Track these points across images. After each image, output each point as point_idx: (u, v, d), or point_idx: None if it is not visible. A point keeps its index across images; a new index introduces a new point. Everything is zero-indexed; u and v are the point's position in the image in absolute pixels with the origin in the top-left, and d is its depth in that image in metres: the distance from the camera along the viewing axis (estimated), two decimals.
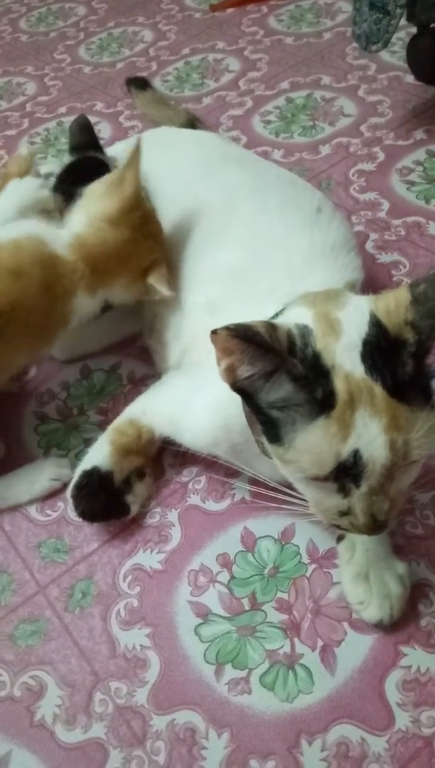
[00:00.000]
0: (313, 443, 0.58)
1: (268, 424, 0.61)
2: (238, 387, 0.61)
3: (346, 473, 0.58)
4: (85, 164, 1.08)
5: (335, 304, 0.63)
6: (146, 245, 0.92)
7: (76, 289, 0.88)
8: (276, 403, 0.60)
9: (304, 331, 0.60)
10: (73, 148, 1.10)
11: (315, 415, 0.58)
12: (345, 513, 0.61)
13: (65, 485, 0.90)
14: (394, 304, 0.60)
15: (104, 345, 1.10)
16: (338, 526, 0.64)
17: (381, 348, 0.59)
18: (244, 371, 0.59)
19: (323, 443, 0.57)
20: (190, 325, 0.90)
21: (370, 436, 0.57)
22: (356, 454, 0.57)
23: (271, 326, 0.58)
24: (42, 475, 0.92)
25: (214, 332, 0.57)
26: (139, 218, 0.92)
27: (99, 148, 1.10)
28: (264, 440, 0.64)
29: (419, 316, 0.59)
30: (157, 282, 0.91)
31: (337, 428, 0.57)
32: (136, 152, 0.92)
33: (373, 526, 0.60)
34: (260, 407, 0.61)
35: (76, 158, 1.10)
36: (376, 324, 0.60)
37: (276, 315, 0.68)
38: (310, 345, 0.59)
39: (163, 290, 0.90)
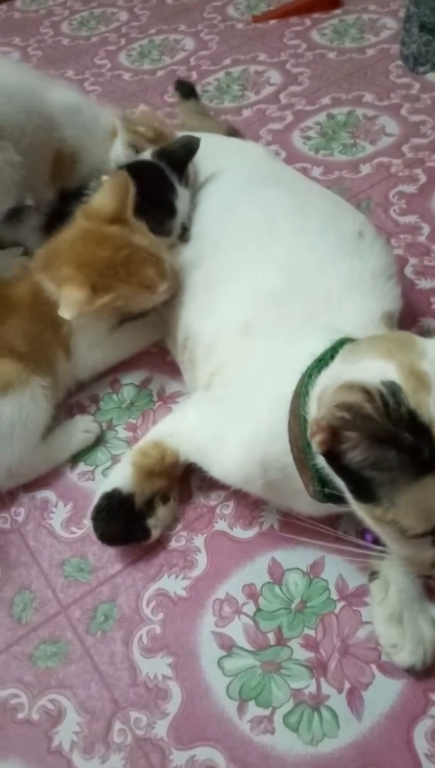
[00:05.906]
0: (421, 501, 0.56)
1: (359, 484, 0.59)
2: (331, 455, 0.59)
3: None
4: (143, 169, 1.08)
5: (416, 354, 0.60)
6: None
7: None
8: (369, 464, 0.57)
9: (394, 389, 0.57)
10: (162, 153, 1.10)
11: (422, 475, 0.55)
12: None
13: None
14: None
15: (129, 354, 1.09)
16: (429, 577, 0.65)
17: None
18: (355, 455, 0.57)
19: (432, 501, 0.56)
20: (223, 345, 0.88)
21: None
22: None
23: (368, 395, 0.55)
24: (74, 430, 0.98)
25: (321, 419, 0.56)
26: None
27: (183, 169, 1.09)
28: (351, 500, 0.62)
29: None
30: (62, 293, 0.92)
31: None
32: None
33: None
34: (350, 468, 0.59)
35: (137, 161, 1.11)
36: None
37: (326, 356, 0.67)
38: (404, 404, 0.56)
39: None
